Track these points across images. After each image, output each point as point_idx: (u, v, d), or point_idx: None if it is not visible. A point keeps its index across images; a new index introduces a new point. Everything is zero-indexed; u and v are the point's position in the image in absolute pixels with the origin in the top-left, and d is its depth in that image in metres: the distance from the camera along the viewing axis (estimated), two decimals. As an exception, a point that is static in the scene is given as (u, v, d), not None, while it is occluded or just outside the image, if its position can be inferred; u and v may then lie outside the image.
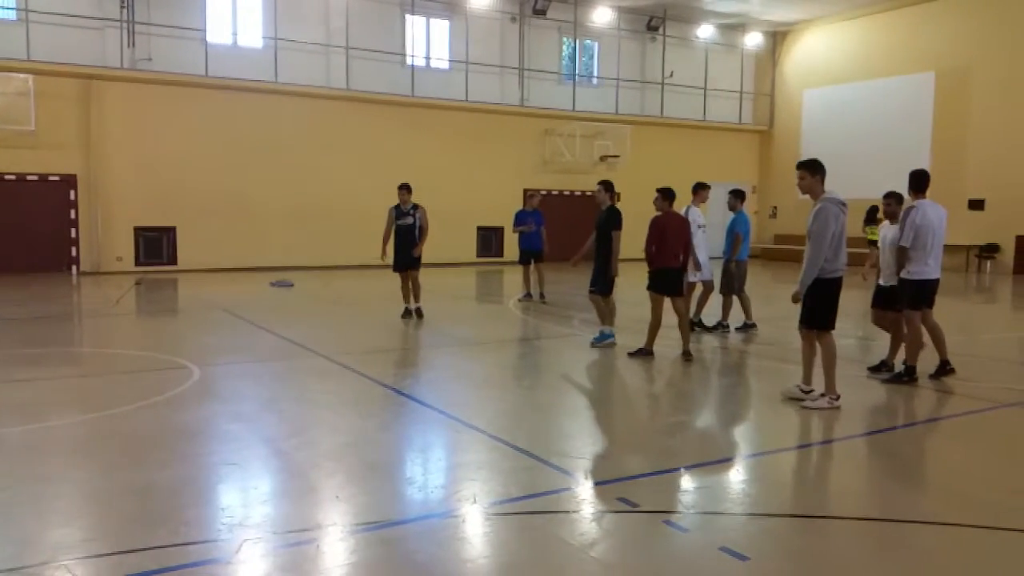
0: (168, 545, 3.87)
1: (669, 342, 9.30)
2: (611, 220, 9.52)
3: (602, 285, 9.65)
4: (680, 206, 10.81)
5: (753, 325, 10.95)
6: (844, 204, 6.70)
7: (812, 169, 6.72)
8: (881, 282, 8.25)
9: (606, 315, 9.76)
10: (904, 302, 7.77)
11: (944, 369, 7.95)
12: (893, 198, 8.18)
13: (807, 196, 6.87)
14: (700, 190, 11.05)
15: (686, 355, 9.00)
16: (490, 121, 23.31)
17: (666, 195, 9.22)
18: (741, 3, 24.93)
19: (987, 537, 4.21)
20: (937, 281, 7.77)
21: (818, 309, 6.73)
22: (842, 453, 5.91)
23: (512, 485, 4.84)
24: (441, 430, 6.21)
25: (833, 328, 6.86)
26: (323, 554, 3.84)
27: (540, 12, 23.94)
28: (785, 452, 5.90)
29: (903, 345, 7.96)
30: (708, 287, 11.00)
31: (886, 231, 8.19)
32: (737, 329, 10.88)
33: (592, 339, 9.81)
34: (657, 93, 26.46)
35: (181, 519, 4.21)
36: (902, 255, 7.62)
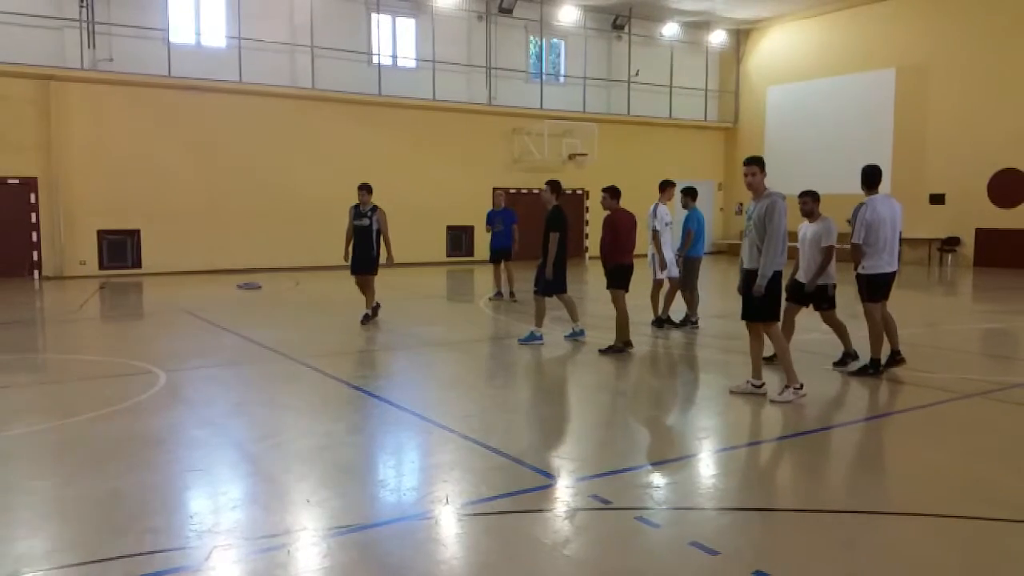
0: (135, 554, 3.82)
1: (640, 338, 9.37)
2: (550, 220, 9.51)
3: (542, 285, 9.66)
4: (648, 204, 10.95)
5: (695, 322, 11.01)
6: (784, 198, 6.86)
7: (762, 166, 6.87)
8: (798, 277, 8.38)
9: (541, 316, 9.80)
10: (861, 296, 7.98)
11: (894, 359, 8.12)
12: (809, 196, 8.28)
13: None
14: (667, 187, 11.13)
15: (626, 344, 9.16)
16: (458, 120, 23.27)
17: (613, 193, 9.29)
18: (705, 1, 25.15)
19: (952, 526, 4.30)
20: (893, 274, 7.93)
21: (763, 302, 6.84)
22: (810, 446, 5.98)
23: (484, 485, 4.84)
24: (413, 431, 6.20)
25: (779, 319, 7.03)
26: (295, 559, 3.81)
27: (506, 11, 23.93)
28: (754, 446, 5.96)
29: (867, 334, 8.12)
30: (675, 284, 11.09)
31: (805, 229, 8.30)
32: (678, 324, 10.99)
33: (519, 339, 9.89)
34: (623, 91, 26.60)
35: (148, 527, 4.15)
36: (856, 252, 7.78)
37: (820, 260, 8.04)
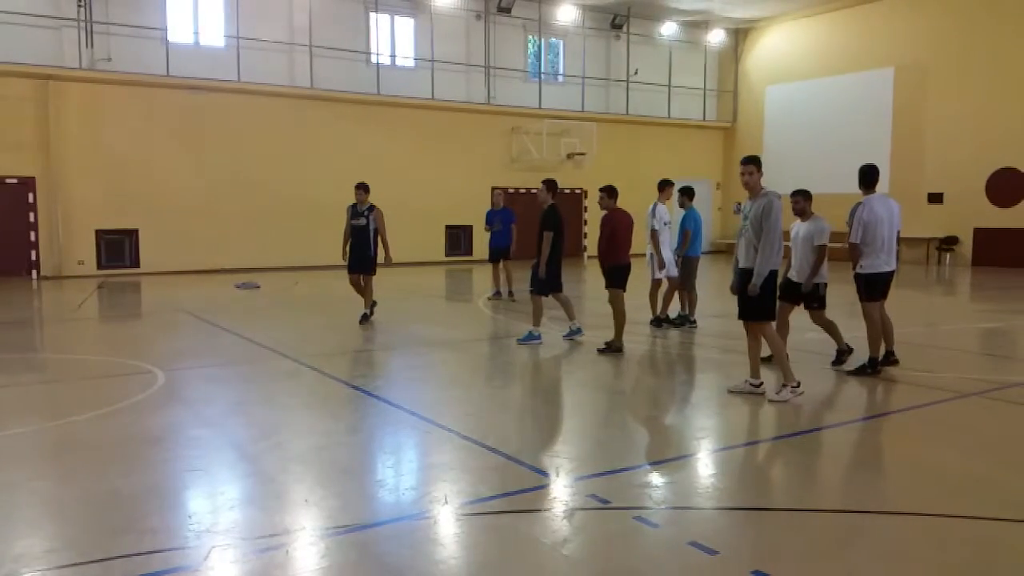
0: (134, 554, 3.81)
1: (639, 338, 9.36)
2: (544, 219, 9.50)
3: (537, 285, 9.66)
4: (647, 203, 10.95)
5: (693, 322, 11.03)
6: (779, 197, 6.87)
7: (759, 165, 6.87)
8: (791, 276, 8.35)
9: (538, 315, 9.79)
10: (860, 296, 7.98)
11: (888, 359, 8.14)
12: (801, 195, 8.25)
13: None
14: (665, 187, 11.13)
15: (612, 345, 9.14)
16: (457, 119, 23.27)
17: (610, 193, 9.28)
18: (704, 1, 25.16)
19: (952, 526, 4.30)
20: (891, 273, 7.93)
21: (759, 301, 6.85)
22: (808, 445, 5.98)
23: (483, 485, 4.84)
24: (411, 431, 6.19)
25: (774, 319, 7.05)
26: (293, 559, 3.81)
27: (505, 10, 23.93)
28: (752, 445, 5.96)
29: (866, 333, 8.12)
30: (673, 283, 11.09)
31: (797, 228, 8.29)
32: (676, 323, 10.99)
33: (518, 339, 9.87)
34: (622, 91, 26.61)
35: (147, 527, 4.14)
36: (853, 251, 7.78)
37: (813, 259, 8.03)
